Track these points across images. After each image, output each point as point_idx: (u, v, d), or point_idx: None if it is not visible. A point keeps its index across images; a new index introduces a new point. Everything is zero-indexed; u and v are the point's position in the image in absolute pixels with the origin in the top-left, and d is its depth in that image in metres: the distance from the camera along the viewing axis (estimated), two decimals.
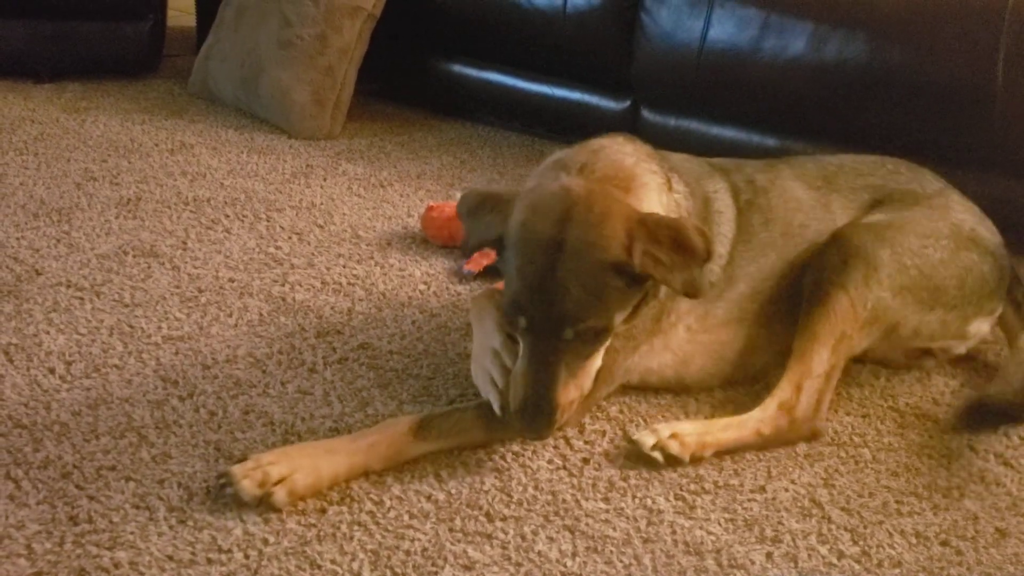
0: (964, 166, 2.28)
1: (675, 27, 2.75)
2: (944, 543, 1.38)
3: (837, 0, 2.51)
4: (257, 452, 1.40)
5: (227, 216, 2.39)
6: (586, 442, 1.56)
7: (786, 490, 1.47)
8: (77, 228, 2.24)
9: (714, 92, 2.74)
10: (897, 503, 1.46)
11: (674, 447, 1.49)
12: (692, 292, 1.40)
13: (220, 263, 2.12)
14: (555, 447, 1.54)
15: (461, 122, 3.45)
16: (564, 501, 1.41)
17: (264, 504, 1.32)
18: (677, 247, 1.39)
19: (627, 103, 3.03)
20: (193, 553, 1.24)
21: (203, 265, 2.10)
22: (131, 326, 1.81)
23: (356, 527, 1.32)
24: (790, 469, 1.53)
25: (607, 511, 1.39)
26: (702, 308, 1.68)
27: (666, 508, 1.41)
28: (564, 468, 1.49)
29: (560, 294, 1.34)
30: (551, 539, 1.33)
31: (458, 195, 2.38)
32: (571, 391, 1.40)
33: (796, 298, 1.75)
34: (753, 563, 1.31)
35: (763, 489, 1.47)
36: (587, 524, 1.36)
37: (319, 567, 1.24)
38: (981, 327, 1.79)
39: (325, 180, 2.72)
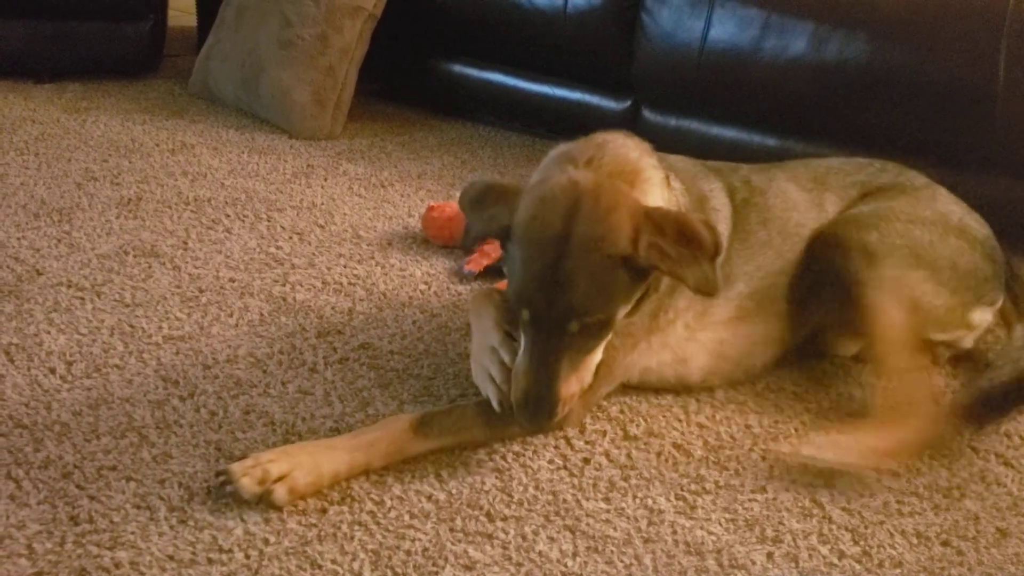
0: (965, 166, 2.28)
1: (676, 27, 2.75)
2: (945, 543, 1.38)
3: (838, 0, 2.51)
4: (257, 452, 1.40)
5: (228, 216, 2.39)
6: (587, 442, 1.56)
7: (787, 490, 1.47)
8: (78, 228, 2.25)
9: (715, 92, 2.74)
10: (898, 503, 1.46)
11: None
12: (706, 289, 1.40)
13: (221, 263, 2.12)
14: (556, 447, 1.54)
15: (462, 122, 3.45)
16: (565, 501, 1.41)
17: (264, 501, 1.32)
18: (683, 240, 1.39)
19: (628, 103, 3.03)
20: (194, 553, 1.24)
21: (204, 265, 2.10)
22: (132, 326, 1.81)
23: (357, 527, 1.32)
24: (791, 469, 1.53)
25: (608, 511, 1.39)
26: (700, 306, 1.68)
27: (667, 508, 1.41)
28: (565, 468, 1.49)
29: (567, 287, 1.35)
30: (552, 539, 1.33)
31: (459, 195, 2.40)
32: (572, 384, 1.40)
33: (796, 297, 1.76)
34: (754, 563, 1.31)
35: (764, 489, 1.47)
36: (588, 524, 1.36)
37: (320, 567, 1.24)
38: (984, 316, 1.79)
39: (326, 180, 2.72)
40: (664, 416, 1.65)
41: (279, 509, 1.32)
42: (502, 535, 1.33)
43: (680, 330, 1.68)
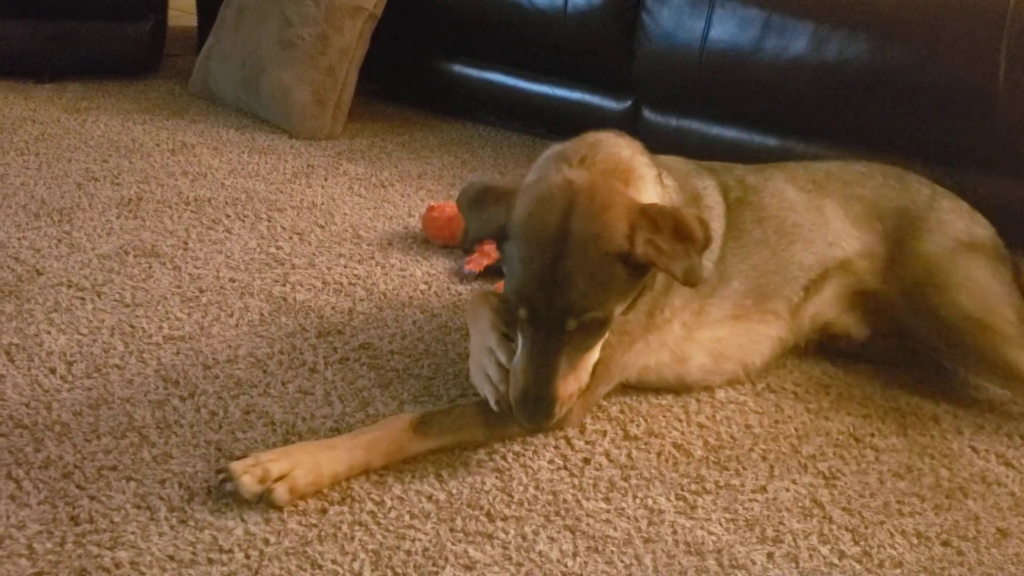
0: (965, 166, 2.28)
1: (676, 27, 2.75)
2: (945, 543, 1.38)
3: (838, 0, 2.50)
4: (258, 451, 1.40)
5: (228, 216, 2.39)
6: (587, 442, 1.56)
7: (787, 490, 1.47)
8: (78, 228, 2.24)
9: (715, 92, 2.74)
10: (898, 503, 1.46)
11: None
12: (692, 279, 1.41)
13: (221, 263, 2.12)
14: (556, 447, 1.54)
15: (462, 122, 3.45)
16: (565, 501, 1.41)
17: (264, 500, 1.32)
18: (677, 235, 1.40)
19: (628, 103, 3.03)
20: (194, 553, 1.24)
21: (204, 265, 2.10)
22: (132, 326, 1.81)
23: (357, 527, 1.32)
24: (791, 469, 1.53)
25: (608, 511, 1.39)
26: (696, 304, 1.69)
27: (667, 508, 1.41)
28: (565, 468, 1.49)
29: (565, 285, 1.35)
30: (552, 539, 1.33)
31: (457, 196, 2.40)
32: (571, 383, 1.40)
33: (796, 297, 1.76)
34: (754, 563, 1.31)
35: (764, 489, 1.47)
36: (588, 524, 1.36)
37: (320, 567, 1.24)
38: None
39: (326, 180, 2.72)
40: (664, 416, 1.65)
41: (279, 508, 1.32)
42: (502, 535, 1.33)
43: (677, 329, 1.68)
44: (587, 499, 1.42)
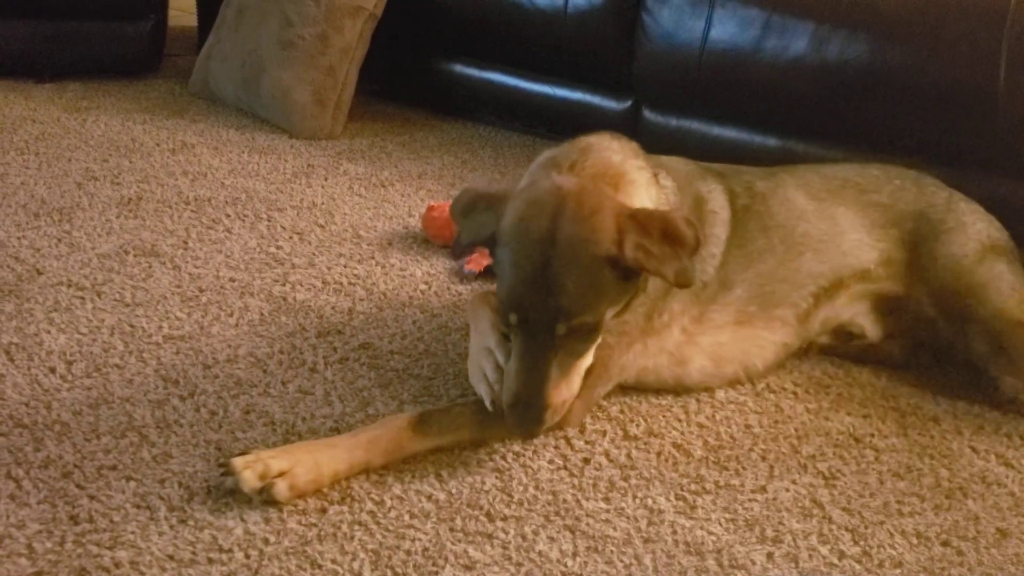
0: (966, 167, 2.27)
1: (676, 27, 2.75)
2: (945, 543, 1.38)
3: (839, 1, 2.50)
4: (258, 450, 1.40)
5: (228, 216, 2.39)
6: (587, 442, 1.56)
7: (787, 490, 1.47)
8: (78, 227, 2.24)
9: (715, 92, 2.74)
10: (898, 503, 1.46)
11: None
12: (683, 281, 1.41)
13: (221, 263, 2.12)
14: (556, 447, 1.54)
15: (462, 122, 3.45)
16: (565, 501, 1.41)
17: (264, 494, 1.32)
18: (667, 238, 1.40)
19: (628, 103, 3.03)
20: (194, 553, 1.24)
21: (204, 265, 2.10)
22: (132, 325, 1.81)
23: (357, 527, 1.32)
24: (791, 469, 1.53)
25: (608, 511, 1.39)
26: (696, 309, 1.69)
27: (667, 508, 1.41)
28: (565, 468, 1.49)
29: (554, 288, 1.35)
30: (552, 539, 1.33)
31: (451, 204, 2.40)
32: (562, 391, 1.40)
33: (805, 304, 1.77)
34: (754, 563, 1.31)
35: (764, 489, 1.47)
36: (588, 524, 1.36)
37: (320, 567, 1.24)
38: None
39: (326, 180, 2.72)
40: (664, 416, 1.65)
41: (279, 505, 1.32)
42: (502, 535, 1.33)
43: (677, 334, 1.68)
44: (587, 499, 1.42)
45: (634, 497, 1.43)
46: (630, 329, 1.59)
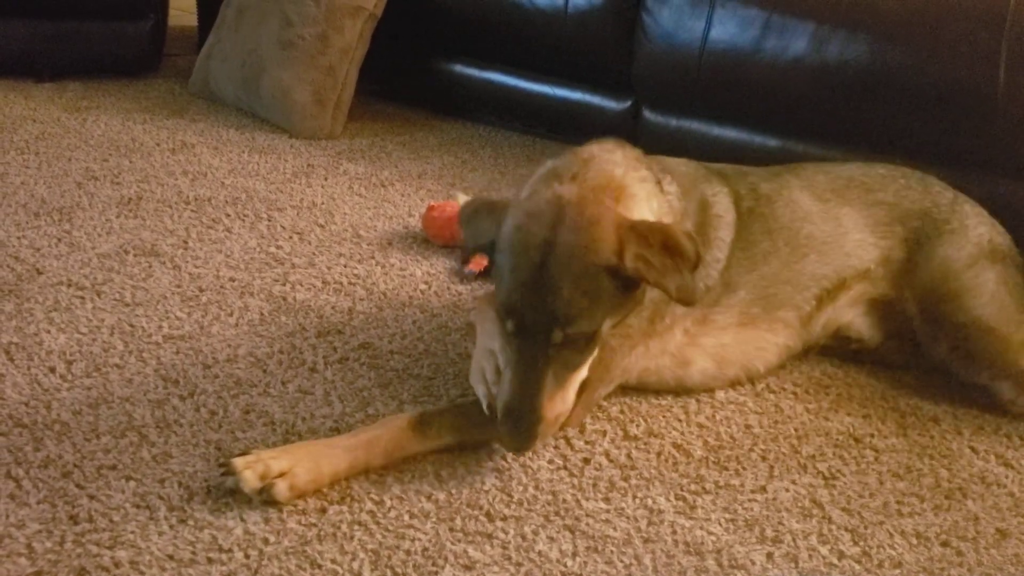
0: (966, 168, 2.27)
1: (676, 27, 2.75)
2: (945, 544, 1.38)
3: (839, 1, 2.50)
4: (258, 450, 1.40)
5: (228, 215, 2.39)
6: (586, 442, 1.56)
7: (787, 490, 1.47)
8: (78, 227, 2.24)
9: (715, 93, 2.74)
10: (898, 503, 1.46)
11: None
12: (686, 298, 1.41)
13: (221, 262, 2.12)
14: (556, 447, 1.54)
15: (462, 122, 3.45)
16: (564, 501, 1.41)
17: (264, 494, 1.32)
18: (667, 251, 1.39)
19: (628, 103, 3.03)
20: (193, 552, 1.24)
21: (204, 264, 2.10)
22: (132, 325, 1.81)
23: (356, 527, 1.32)
24: (791, 469, 1.53)
25: (607, 511, 1.39)
26: (700, 312, 1.69)
27: (667, 508, 1.41)
28: (565, 468, 1.49)
29: (551, 294, 1.35)
30: (551, 539, 1.33)
31: (459, 194, 2.40)
32: (557, 403, 1.38)
33: (808, 306, 1.77)
34: (754, 563, 1.31)
35: (764, 489, 1.47)
36: (587, 524, 1.36)
37: (319, 566, 1.24)
38: None
39: (326, 180, 2.72)
40: (664, 416, 1.65)
41: (279, 505, 1.32)
42: (502, 535, 1.33)
43: (679, 336, 1.68)
44: (587, 499, 1.42)
45: (634, 497, 1.43)
46: (633, 332, 1.59)
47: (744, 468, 1.52)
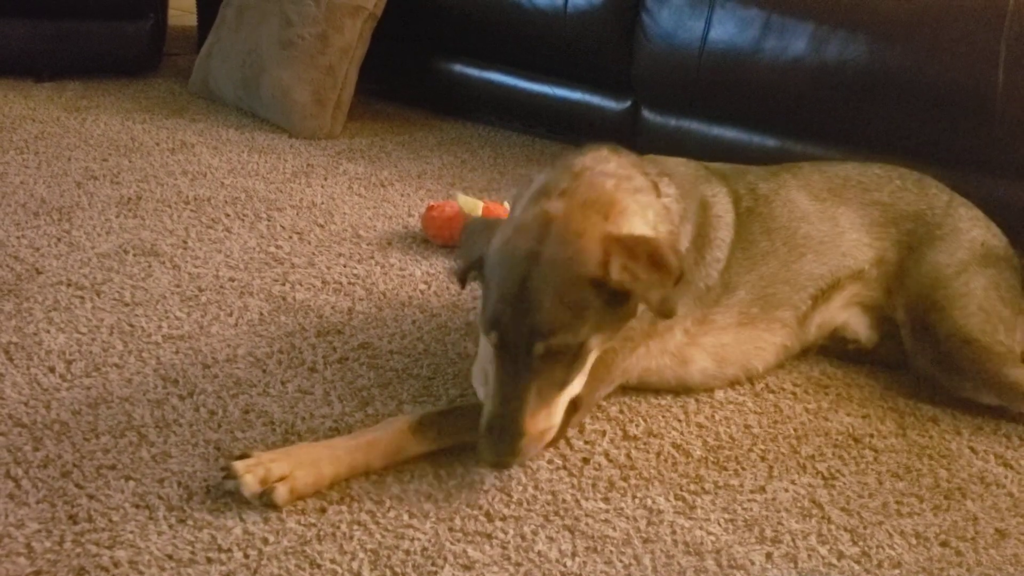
0: (965, 168, 2.28)
1: (676, 27, 2.75)
2: (944, 544, 1.38)
3: (838, 1, 2.51)
4: (258, 451, 1.41)
5: (228, 215, 2.39)
6: (586, 442, 1.56)
7: (786, 490, 1.47)
8: (78, 227, 2.24)
9: (715, 93, 2.74)
10: (897, 504, 1.46)
11: None
12: (666, 310, 1.41)
13: (220, 262, 2.12)
14: (555, 447, 1.54)
15: (462, 122, 3.45)
16: (564, 501, 1.41)
17: (265, 498, 1.32)
18: (653, 264, 1.39)
19: (628, 103, 3.03)
20: (193, 552, 1.24)
21: (203, 264, 2.10)
22: (131, 325, 1.81)
23: (356, 526, 1.32)
24: (790, 469, 1.53)
25: (607, 511, 1.39)
26: (700, 312, 1.69)
27: (666, 508, 1.41)
28: (564, 468, 1.49)
29: (533, 305, 1.34)
30: (551, 539, 1.33)
31: (459, 194, 2.40)
32: (540, 420, 1.36)
33: (804, 306, 1.77)
34: (753, 563, 1.31)
35: (763, 489, 1.47)
36: (587, 524, 1.36)
37: (319, 566, 1.24)
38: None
39: (326, 179, 2.72)
40: (663, 416, 1.65)
41: (279, 508, 1.32)
42: (501, 535, 1.33)
43: (679, 336, 1.68)
44: (586, 499, 1.42)
45: (633, 497, 1.43)
46: (634, 333, 1.59)
47: (743, 468, 1.52)
